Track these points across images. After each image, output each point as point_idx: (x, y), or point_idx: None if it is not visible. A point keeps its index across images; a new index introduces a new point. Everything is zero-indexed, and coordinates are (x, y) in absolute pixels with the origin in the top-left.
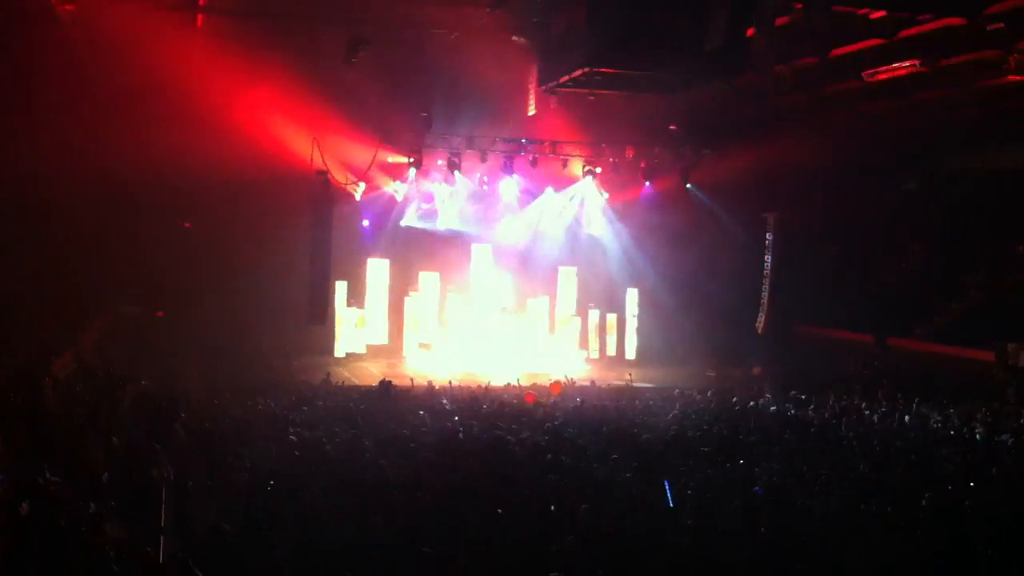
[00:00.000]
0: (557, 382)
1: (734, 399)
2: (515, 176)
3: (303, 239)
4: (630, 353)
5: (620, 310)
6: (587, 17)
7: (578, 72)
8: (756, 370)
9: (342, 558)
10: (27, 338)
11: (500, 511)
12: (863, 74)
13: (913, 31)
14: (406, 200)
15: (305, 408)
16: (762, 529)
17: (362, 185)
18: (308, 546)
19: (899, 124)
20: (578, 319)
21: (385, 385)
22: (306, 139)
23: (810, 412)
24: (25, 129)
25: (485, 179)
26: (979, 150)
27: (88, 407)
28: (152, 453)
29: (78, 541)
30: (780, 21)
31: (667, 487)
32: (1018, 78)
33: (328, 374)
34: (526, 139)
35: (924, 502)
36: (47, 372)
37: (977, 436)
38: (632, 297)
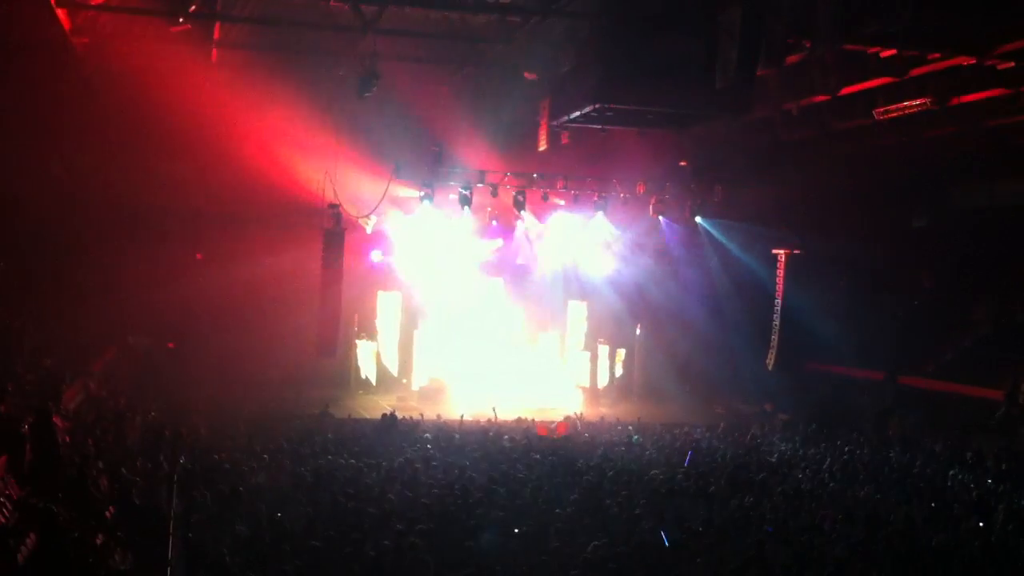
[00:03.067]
0: (563, 422)
1: (744, 436)
2: (526, 211)
3: (314, 272)
4: (639, 388)
5: (630, 345)
6: (596, 53)
7: (588, 107)
8: (767, 407)
9: None
10: (37, 368)
11: (507, 544)
12: (875, 112)
13: (924, 70)
14: (416, 233)
15: (313, 440)
16: (773, 567)
17: (374, 218)
18: None
19: (908, 160)
20: (588, 353)
21: (390, 418)
22: (318, 172)
23: (821, 450)
24: (38, 160)
25: (496, 213)
26: (988, 185)
27: (97, 438)
28: (159, 484)
29: (85, 571)
30: (792, 59)
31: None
32: None
33: (327, 407)
34: (537, 174)
35: (934, 541)
36: (57, 403)
37: (989, 474)
38: (642, 332)
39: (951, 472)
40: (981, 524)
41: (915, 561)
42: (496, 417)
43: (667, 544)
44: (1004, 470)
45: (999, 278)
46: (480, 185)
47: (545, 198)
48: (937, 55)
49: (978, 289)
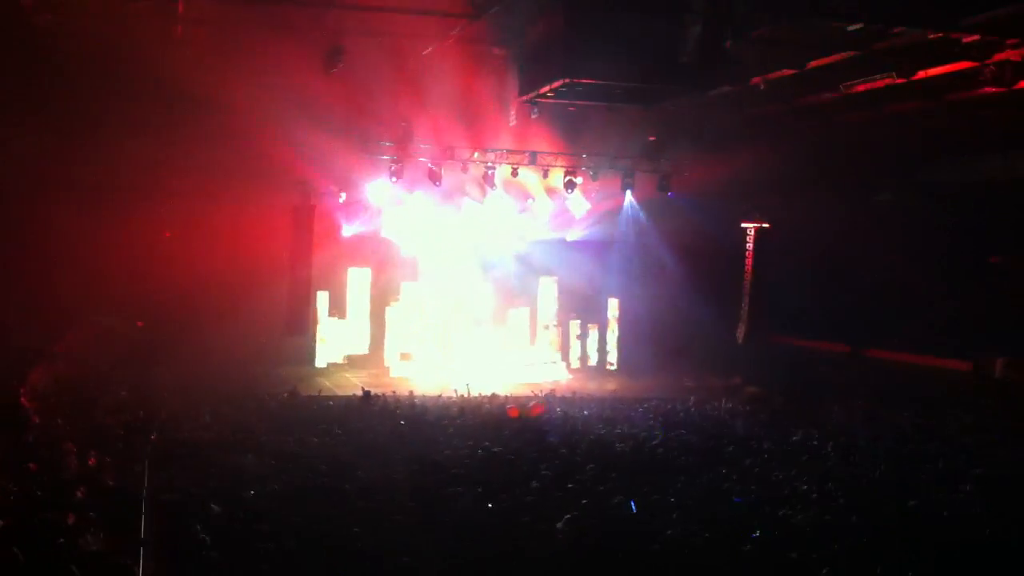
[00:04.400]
0: (538, 404)
1: (713, 409)
2: (496, 186)
3: (283, 248)
4: (611, 363)
5: (601, 320)
6: (564, 28)
7: (557, 83)
8: (736, 380)
9: (324, 568)
10: (3, 348)
11: (480, 519)
12: (841, 85)
13: (888, 43)
14: (386, 209)
15: (285, 418)
16: (743, 539)
17: (343, 195)
18: (289, 556)
19: (874, 135)
20: (558, 329)
21: (366, 395)
22: (286, 148)
23: (788, 421)
24: (1, 139)
25: (467, 189)
26: (954, 161)
27: (66, 418)
28: (131, 464)
29: (55, 553)
30: (757, 33)
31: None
32: (994, 90)
33: (295, 388)
34: (507, 149)
35: (904, 510)
36: (23, 382)
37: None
38: (612, 307)
39: (917, 442)
40: (951, 492)
41: (885, 529)
42: (469, 393)
43: (634, 511)
44: (970, 441)
45: (963, 253)
46: (450, 161)
47: (515, 173)
48: (902, 28)
49: (944, 263)
